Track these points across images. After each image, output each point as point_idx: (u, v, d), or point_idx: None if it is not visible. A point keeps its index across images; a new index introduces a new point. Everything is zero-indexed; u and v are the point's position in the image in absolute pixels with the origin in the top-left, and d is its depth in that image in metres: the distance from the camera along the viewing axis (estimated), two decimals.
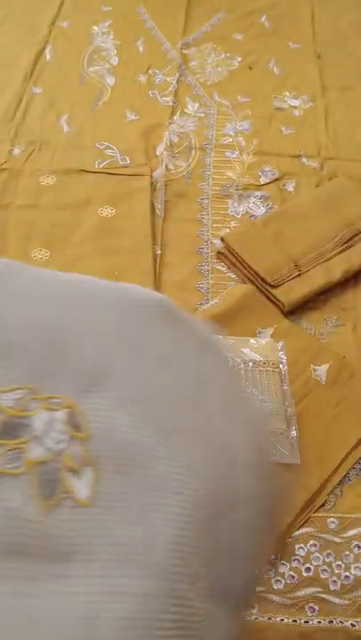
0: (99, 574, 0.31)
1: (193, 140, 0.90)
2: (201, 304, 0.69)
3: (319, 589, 0.50)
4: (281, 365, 0.61)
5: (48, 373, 0.35)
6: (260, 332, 0.65)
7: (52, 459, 0.31)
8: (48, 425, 0.32)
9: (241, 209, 0.80)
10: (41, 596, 0.29)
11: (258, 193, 0.82)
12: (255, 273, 0.69)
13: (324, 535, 0.53)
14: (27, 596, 0.30)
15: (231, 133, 0.91)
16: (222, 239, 0.74)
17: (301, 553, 0.52)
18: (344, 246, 0.73)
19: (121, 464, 0.33)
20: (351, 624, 0.48)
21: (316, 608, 0.49)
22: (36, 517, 0.30)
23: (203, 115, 0.94)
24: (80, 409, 0.33)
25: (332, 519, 0.54)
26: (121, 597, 0.30)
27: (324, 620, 0.48)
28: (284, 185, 0.84)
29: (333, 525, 0.53)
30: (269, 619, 0.48)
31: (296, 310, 0.69)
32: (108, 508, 0.32)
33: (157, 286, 0.70)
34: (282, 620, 0.48)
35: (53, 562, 0.30)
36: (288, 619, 0.48)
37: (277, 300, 0.67)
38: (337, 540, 0.52)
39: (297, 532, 0.52)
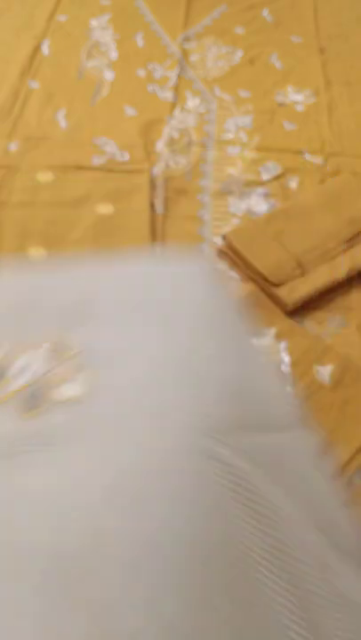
0: (87, 452, 0.34)
1: (193, 136, 0.88)
2: None
3: None
4: (284, 366, 0.60)
5: (28, 326, 0.39)
6: (261, 332, 0.64)
7: (36, 381, 0.36)
8: (32, 360, 0.37)
9: (242, 206, 0.79)
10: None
11: (260, 190, 0.81)
12: (257, 272, 0.68)
13: None
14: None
15: (232, 129, 0.90)
16: (223, 237, 0.72)
17: None
18: (349, 244, 0.72)
19: (113, 362, 0.37)
20: None
21: None
22: (14, 426, 0.34)
23: (203, 110, 0.93)
24: (65, 337, 0.38)
25: None
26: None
27: None
28: (286, 181, 0.82)
29: None
30: None
31: (299, 310, 0.67)
32: (104, 397, 0.36)
33: None
34: None
35: (38, 452, 0.34)
36: None
37: (280, 299, 0.66)
38: None
39: None
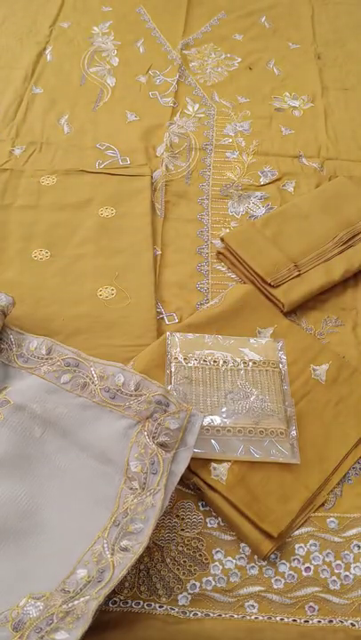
0: None
1: (193, 141, 0.90)
2: (201, 304, 0.69)
3: (319, 589, 0.50)
4: (281, 365, 0.61)
5: None
6: (260, 332, 0.65)
7: None
8: None
9: (241, 209, 0.80)
10: None
11: (258, 193, 0.82)
12: (255, 273, 0.70)
13: (323, 535, 0.53)
14: None
15: (231, 134, 0.91)
16: (222, 239, 0.74)
17: (301, 552, 0.52)
18: (344, 246, 0.73)
19: None
20: (351, 624, 0.48)
21: (316, 607, 0.49)
22: None
23: (203, 115, 0.94)
24: None
25: (331, 519, 0.54)
26: None
27: (324, 620, 0.48)
28: (283, 185, 0.84)
29: (333, 525, 0.53)
30: (269, 618, 0.48)
31: (296, 310, 0.69)
32: None
33: (157, 286, 0.70)
34: (282, 619, 0.48)
35: None
36: (288, 618, 0.48)
37: (277, 300, 0.67)
38: (337, 539, 0.52)
39: (297, 532, 0.52)
